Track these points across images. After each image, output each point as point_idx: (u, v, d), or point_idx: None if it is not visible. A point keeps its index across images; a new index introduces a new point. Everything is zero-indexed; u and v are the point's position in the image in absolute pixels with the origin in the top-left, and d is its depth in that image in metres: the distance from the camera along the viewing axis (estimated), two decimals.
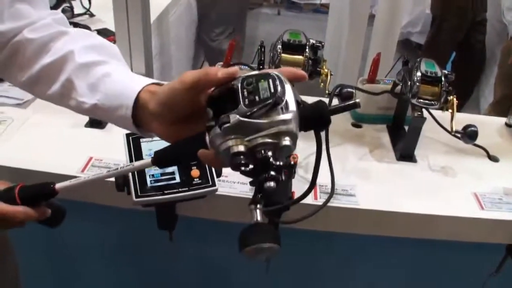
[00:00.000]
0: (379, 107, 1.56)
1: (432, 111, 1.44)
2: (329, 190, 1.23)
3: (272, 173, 0.65)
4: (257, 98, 0.64)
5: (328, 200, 1.20)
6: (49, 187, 0.83)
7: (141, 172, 1.03)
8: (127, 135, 1.07)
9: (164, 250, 1.44)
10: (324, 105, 0.70)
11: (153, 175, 1.04)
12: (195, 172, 1.05)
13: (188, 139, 0.72)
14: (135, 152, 1.05)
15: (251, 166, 0.65)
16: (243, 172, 0.66)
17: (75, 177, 1.17)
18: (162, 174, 1.05)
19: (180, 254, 1.46)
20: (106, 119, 0.83)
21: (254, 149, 0.65)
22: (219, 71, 0.68)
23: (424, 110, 1.36)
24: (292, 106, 0.65)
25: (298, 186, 1.22)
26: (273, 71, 0.67)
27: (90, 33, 0.92)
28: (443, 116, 1.42)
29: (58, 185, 0.83)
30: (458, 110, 1.36)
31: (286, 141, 0.64)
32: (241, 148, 0.64)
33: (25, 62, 0.86)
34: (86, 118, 1.46)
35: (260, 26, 5.42)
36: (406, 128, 1.49)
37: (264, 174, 0.65)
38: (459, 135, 1.34)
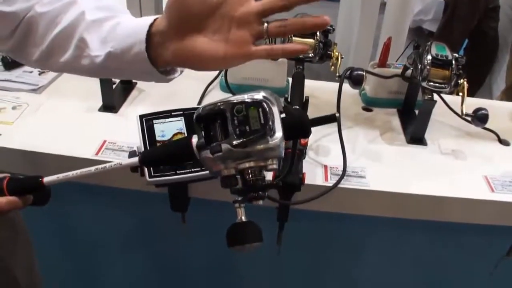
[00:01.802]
0: (389, 91, 1.57)
1: (443, 95, 1.44)
2: (340, 172, 1.25)
3: (260, 192, 0.72)
4: (247, 128, 0.69)
5: (339, 181, 1.22)
6: (36, 181, 0.84)
7: None
8: (141, 117, 1.08)
9: (177, 232, 1.46)
10: (305, 117, 0.75)
11: None
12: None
13: (174, 143, 0.78)
14: (148, 133, 1.06)
15: (240, 186, 0.72)
16: (232, 191, 0.73)
17: (89, 160, 1.20)
18: None
19: (192, 235, 1.48)
20: (120, 68, 0.84)
21: (243, 171, 0.71)
22: None
23: (434, 93, 1.36)
24: (279, 131, 0.70)
25: (308, 168, 1.23)
26: (260, 92, 0.71)
27: None
28: (454, 99, 1.43)
29: (46, 179, 0.84)
30: (470, 97, 1.36)
31: (274, 164, 0.71)
32: (232, 171, 0.71)
33: (38, 38, 0.87)
34: (99, 103, 1.47)
35: None
36: (417, 111, 1.50)
37: (253, 194, 0.72)
38: (469, 119, 1.34)
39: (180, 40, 0.76)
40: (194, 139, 0.75)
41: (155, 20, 0.79)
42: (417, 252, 1.47)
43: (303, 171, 1.19)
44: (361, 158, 1.34)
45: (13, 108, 1.46)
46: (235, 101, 0.71)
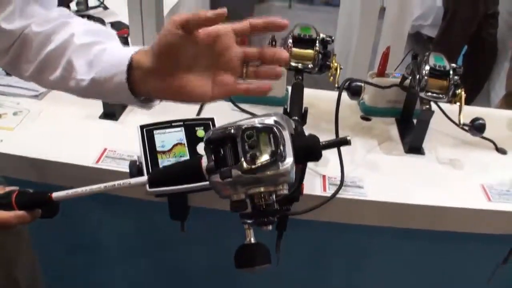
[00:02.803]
0: (388, 100, 1.58)
1: (441, 104, 1.45)
2: (338, 182, 1.25)
3: (270, 217, 0.71)
4: (258, 154, 0.68)
5: (337, 192, 1.23)
6: (45, 196, 0.85)
7: (154, 163, 1.05)
8: (141, 127, 1.09)
9: (176, 240, 1.46)
10: (317, 141, 0.74)
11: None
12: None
13: (183, 164, 0.78)
14: (148, 144, 1.07)
15: (249, 210, 0.71)
16: (242, 215, 0.72)
17: (90, 168, 1.21)
18: None
19: (191, 244, 1.49)
20: (104, 93, 0.86)
21: (252, 196, 0.70)
22: (207, 12, 0.72)
23: (432, 103, 1.37)
24: (290, 156, 0.69)
25: (307, 178, 1.24)
26: (271, 116, 0.72)
27: (89, 21, 0.95)
28: (452, 109, 1.44)
29: (54, 194, 0.84)
30: (469, 104, 1.37)
31: (284, 190, 0.70)
32: (242, 196, 0.70)
33: (31, 55, 0.90)
34: (100, 110, 1.48)
35: None
36: (415, 121, 1.51)
37: (262, 218, 0.71)
38: (467, 128, 1.35)
39: (164, 78, 0.78)
40: (204, 162, 0.75)
41: (137, 52, 0.81)
42: (415, 261, 1.47)
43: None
44: (359, 168, 1.35)
45: (14, 114, 1.47)
46: (245, 126, 0.71)
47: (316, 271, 1.54)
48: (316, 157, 0.74)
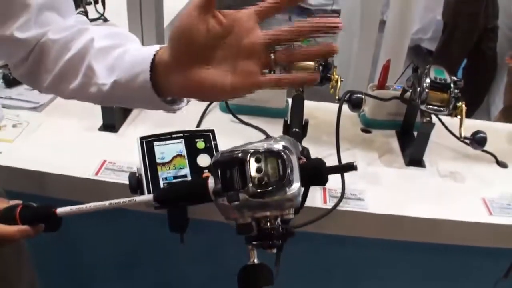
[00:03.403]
0: (388, 113, 1.58)
1: (441, 117, 1.45)
2: (338, 194, 1.25)
3: (275, 241, 0.72)
4: (265, 179, 0.68)
5: (337, 204, 1.22)
6: (49, 211, 0.85)
7: (154, 175, 1.05)
8: (141, 139, 1.09)
9: (175, 252, 1.46)
10: (323, 166, 0.74)
11: (166, 178, 1.06)
12: (207, 175, 1.06)
13: (190, 183, 0.79)
14: (148, 156, 1.07)
15: (255, 233, 0.72)
16: (247, 238, 0.72)
17: (89, 180, 1.20)
18: (174, 177, 1.06)
19: (191, 256, 1.48)
20: (127, 96, 0.83)
21: (259, 220, 0.71)
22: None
23: (433, 116, 1.37)
24: (297, 181, 0.69)
25: None
26: (280, 141, 0.71)
27: (109, 27, 0.92)
28: (452, 122, 1.44)
29: (59, 210, 0.84)
30: (468, 117, 1.37)
31: (290, 214, 0.71)
32: (248, 220, 0.71)
33: (50, 64, 0.87)
34: (99, 122, 1.48)
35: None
36: (415, 134, 1.51)
37: (268, 242, 0.72)
38: (467, 141, 1.35)
39: (184, 72, 0.74)
40: (211, 183, 0.74)
41: (160, 49, 0.78)
42: (415, 274, 1.46)
43: None
44: (360, 180, 1.35)
45: (14, 126, 1.47)
46: (253, 150, 0.70)
47: (316, 283, 1.53)
48: (323, 181, 0.74)
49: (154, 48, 0.79)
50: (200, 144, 1.08)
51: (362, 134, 1.59)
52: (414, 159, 1.44)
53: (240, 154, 0.71)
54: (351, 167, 0.76)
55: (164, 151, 1.07)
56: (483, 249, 1.32)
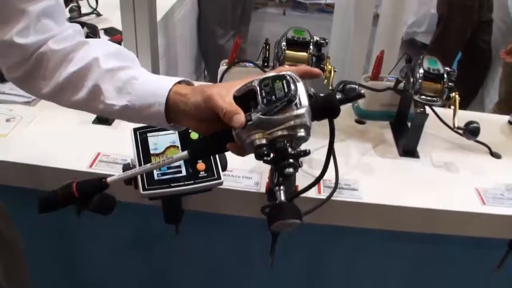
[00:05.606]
0: (382, 104, 1.58)
1: (435, 108, 1.45)
2: (333, 185, 1.25)
3: (291, 160, 0.77)
4: (273, 97, 0.76)
5: (332, 194, 1.22)
6: (101, 182, 0.90)
7: None
8: (135, 130, 1.09)
9: (170, 244, 1.46)
10: (333, 96, 0.80)
11: (159, 168, 1.06)
12: (200, 165, 1.07)
13: (217, 134, 0.83)
14: (142, 146, 1.07)
15: (272, 155, 0.77)
16: (265, 161, 0.78)
17: (83, 172, 1.21)
18: (168, 168, 1.06)
19: (185, 247, 1.48)
20: (135, 118, 0.90)
21: (274, 141, 0.77)
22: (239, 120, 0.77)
23: (426, 106, 1.37)
24: (305, 102, 0.76)
25: (301, 181, 1.23)
26: (287, 71, 0.79)
27: (106, 42, 0.97)
28: (446, 112, 1.44)
29: (109, 179, 0.90)
30: (463, 109, 1.37)
31: (301, 132, 0.76)
32: (263, 141, 0.76)
33: (48, 73, 0.90)
34: (93, 115, 1.48)
35: (265, 25, 5.44)
36: (409, 124, 1.51)
37: (284, 162, 0.77)
38: (461, 131, 1.36)
39: (197, 122, 0.85)
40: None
41: (173, 86, 0.85)
42: (410, 264, 1.47)
43: (296, 183, 1.20)
44: (354, 170, 1.35)
45: (7, 120, 1.46)
46: (262, 77, 0.78)
47: (312, 274, 1.53)
48: (333, 110, 0.79)
49: (169, 80, 0.87)
50: (194, 134, 1.08)
51: (356, 125, 1.59)
52: (408, 150, 1.45)
53: (252, 83, 0.79)
54: (360, 95, 0.92)
55: (158, 142, 1.07)
56: (477, 239, 1.33)
